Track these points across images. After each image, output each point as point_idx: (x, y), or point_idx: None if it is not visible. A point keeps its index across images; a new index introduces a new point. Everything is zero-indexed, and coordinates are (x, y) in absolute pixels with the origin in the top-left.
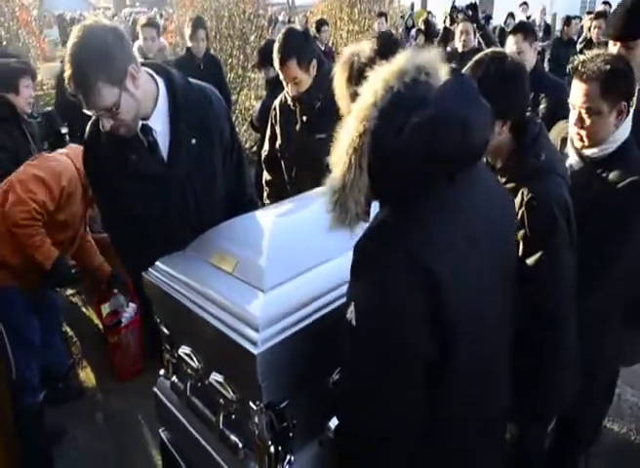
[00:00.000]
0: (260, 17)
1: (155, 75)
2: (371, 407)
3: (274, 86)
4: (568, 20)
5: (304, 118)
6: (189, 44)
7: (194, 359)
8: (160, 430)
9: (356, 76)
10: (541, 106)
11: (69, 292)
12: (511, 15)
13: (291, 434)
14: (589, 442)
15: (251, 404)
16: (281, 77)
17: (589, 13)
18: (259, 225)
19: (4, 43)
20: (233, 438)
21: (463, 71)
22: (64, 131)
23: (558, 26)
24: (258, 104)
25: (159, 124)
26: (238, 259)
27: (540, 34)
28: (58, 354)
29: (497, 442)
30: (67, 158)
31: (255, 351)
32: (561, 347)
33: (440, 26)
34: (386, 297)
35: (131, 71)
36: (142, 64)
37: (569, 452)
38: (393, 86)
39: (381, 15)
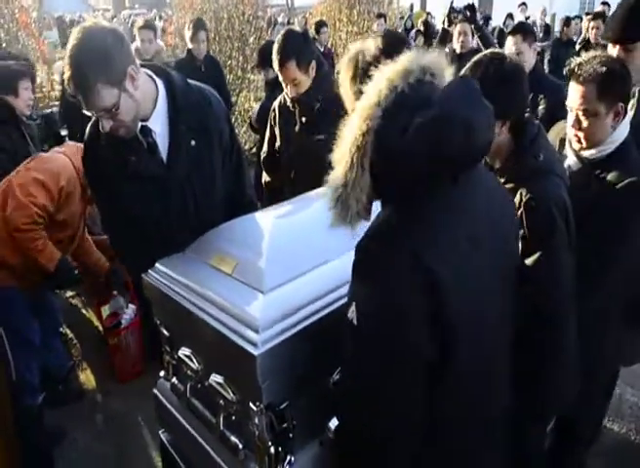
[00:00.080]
0: (260, 18)
1: (155, 76)
2: (374, 406)
3: (273, 87)
4: (568, 21)
5: (304, 119)
6: (190, 45)
7: (194, 360)
8: (160, 431)
9: (361, 74)
10: (540, 107)
11: (69, 293)
12: (510, 15)
13: (291, 434)
14: (590, 441)
15: (251, 405)
16: (280, 78)
17: (588, 14)
18: (258, 227)
19: (3, 45)
20: (233, 439)
21: (462, 72)
22: (64, 133)
23: (557, 27)
24: (257, 106)
25: (158, 125)
26: (238, 261)
27: (540, 35)
28: (57, 356)
29: (497, 442)
30: (65, 156)
31: (255, 352)
32: (561, 347)
33: (439, 27)
34: (390, 297)
35: (130, 72)
36: (142, 66)
37: (569, 452)
38: (397, 86)
39: (380, 16)
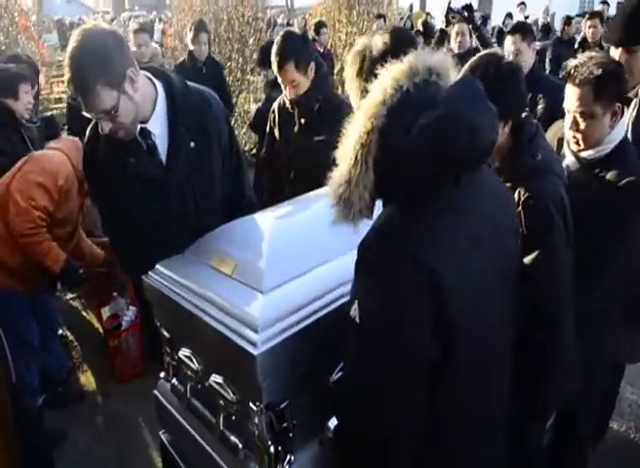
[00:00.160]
0: (259, 19)
1: (154, 79)
2: (376, 406)
3: (273, 87)
4: (568, 20)
5: (303, 120)
6: (191, 47)
7: (194, 361)
8: (160, 432)
9: (367, 69)
10: (539, 107)
11: (69, 296)
12: (509, 15)
13: (291, 434)
14: (595, 441)
15: (251, 404)
16: (279, 80)
17: (585, 13)
18: (258, 228)
19: (3, 48)
20: (233, 439)
21: (461, 74)
22: (64, 135)
23: (557, 26)
24: (254, 106)
25: (158, 127)
26: (237, 262)
27: (540, 35)
28: (57, 358)
29: (498, 441)
30: (61, 153)
31: (254, 352)
32: (562, 347)
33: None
34: (392, 297)
35: (130, 75)
36: (141, 68)
37: (569, 450)
38: (403, 85)
39: (380, 16)
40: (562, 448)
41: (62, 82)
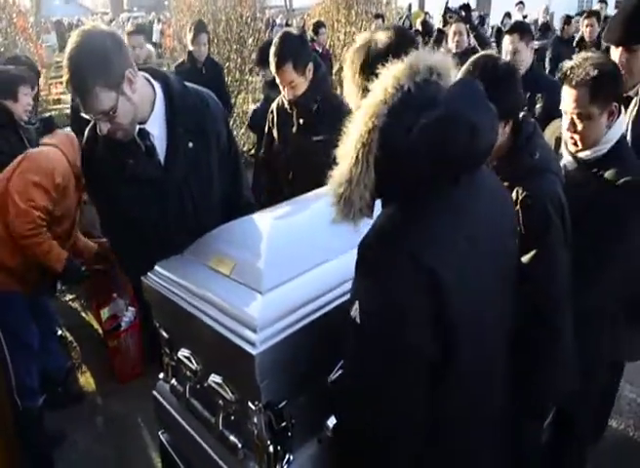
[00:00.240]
0: (258, 20)
1: (152, 80)
2: (377, 406)
3: (272, 87)
4: (568, 20)
5: (301, 121)
6: (191, 48)
7: (193, 361)
8: (160, 432)
9: (371, 64)
10: (538, 106)
11: (69, 297)
12: (508, 14)
13: (290, 433)
14: (594, 439)
15: (250, 404)
16: (277, 81)
17: (583, 12)
18: (256, 228)
19: (2, 49)
20: (232, 438)
21: (459, 75)
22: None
23: (556, 25)
24: (252, 107)
25: (156, 128)
26: (236, 262)
27: (538, 34)
28: (56, 358)
29: (497, 441)
30: (56, 149)
31: (253, 352)
32: (559, 346)
33: (437, 27)
34: (392, 297)
35: (128, 75)
36: (140, 69)
37: (568, 449)
38: (404, 85)
39: (378, 16)
40: (560, 446)
41: (61, 83)
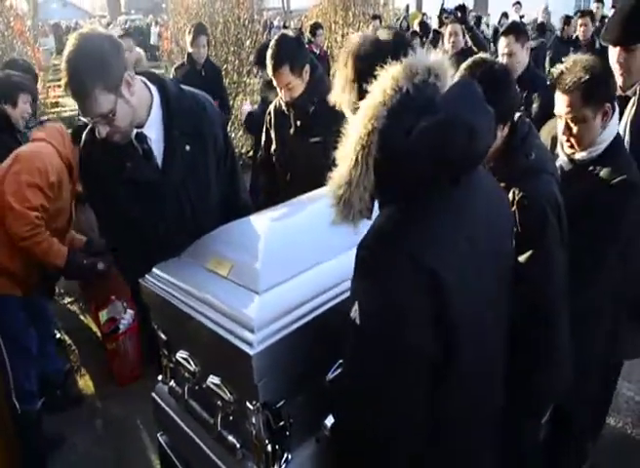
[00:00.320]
0: (255, 22)
1: (149, 83)
2: (377, 406)
3: (271, 88)
4: (568, 19)
5: (298, 123)
6: (190, 50)
7: (191, 363)
8: (158, 434)
9: (363, 65)
10: (534, 105)
11: (67, 300)
12: (505, 14)
13: (288, 432)
14: (592, 437)
15: (248, 404)
16: (274, 83)
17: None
18: (253, 229)
19: None
20: (231, 439)
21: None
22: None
23: (555, 25)
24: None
25: (154, 131)
26: (233, 263)
27: (535, 34)
28: (54, 361)
29: (498, 442)
30: (47, 144)
31: (250, 352)
32: (556, 346)
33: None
34: (391, 298)
35: (126, 78)
36: (136, 73)
37: (565, 448)
38: (402, 86)
39: (376, 17)
40: (558, 444)
41: (59, 86)
